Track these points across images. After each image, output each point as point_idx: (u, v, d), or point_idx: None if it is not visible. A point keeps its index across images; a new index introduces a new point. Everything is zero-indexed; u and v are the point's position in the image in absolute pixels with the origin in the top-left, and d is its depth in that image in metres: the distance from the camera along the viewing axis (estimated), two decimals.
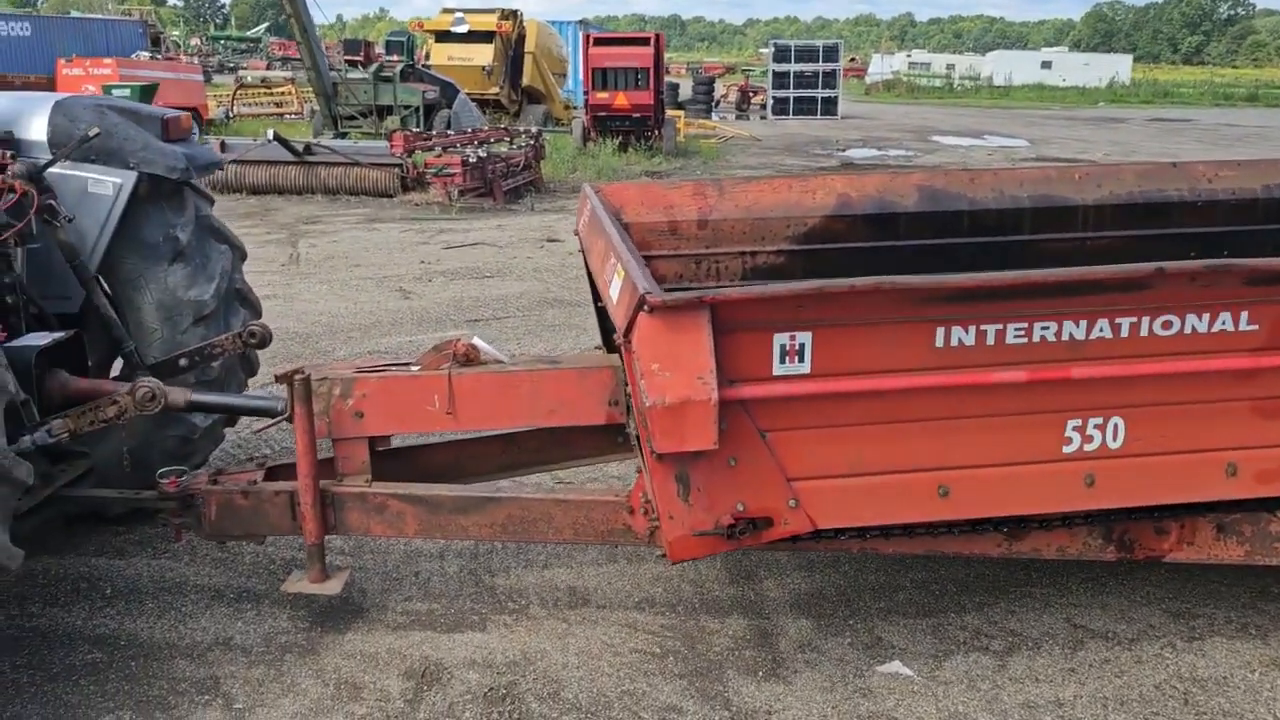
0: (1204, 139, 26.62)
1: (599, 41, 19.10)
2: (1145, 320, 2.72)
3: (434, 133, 14.74)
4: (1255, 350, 2.78)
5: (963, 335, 2.67)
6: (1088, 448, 2.83)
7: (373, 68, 18.53)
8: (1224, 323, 2.75)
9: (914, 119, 34.02)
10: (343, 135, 17.90)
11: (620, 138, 18.65)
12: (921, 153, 22.27)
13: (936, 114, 37.56)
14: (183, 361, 3.89)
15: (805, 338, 2.62)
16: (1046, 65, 62.75)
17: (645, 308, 2.48)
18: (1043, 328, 2.70)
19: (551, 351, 6.42)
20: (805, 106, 33.74)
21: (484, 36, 21.53)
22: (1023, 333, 2.69)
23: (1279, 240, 4.48)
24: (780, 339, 2.61)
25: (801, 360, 2.63)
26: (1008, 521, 3.01)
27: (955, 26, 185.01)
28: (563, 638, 3.36)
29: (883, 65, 64.53)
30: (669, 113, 21.22)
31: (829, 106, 33.72)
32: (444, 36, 21.89)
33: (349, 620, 3.49)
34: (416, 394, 3.32)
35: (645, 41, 18.81)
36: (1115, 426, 2.82)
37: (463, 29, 21.30)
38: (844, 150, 22.55)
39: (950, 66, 65.17)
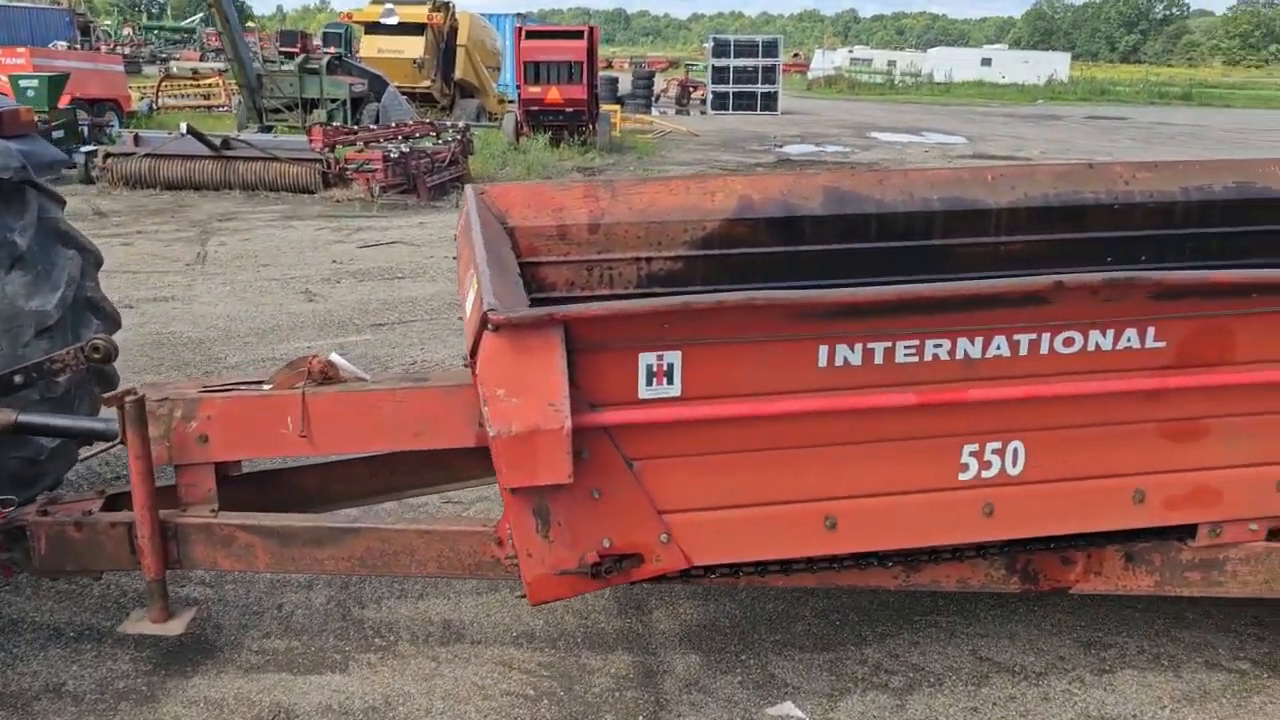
0: (1138, 137, 26.94)
1: (531, 34, 18.72)
2: (1046, 337, 2.51)
3: (356, 127, 14.28)
4: (1163, 369, 2.59)
5: (849, 354, 2.44)
6: (986, 474, 2.61)
7: (298, 59, 17.99)
8: (1130, 340, 2.55)
9: (854, 115, 34.07)
10: (268, 129, 17.36)
11: (553, 132, 18.30)
12: (859, 149, 22.23)
13: (877, 110, 37.68)
14: (18, 378, 3.52)
15: (674, 357, 2.36)
16: (987, 62, 63.40)
17: (489, 326, 2.21)
18: (936, 345, 2.47)
19: (454, 359, 6.12)
20: (745, 102, 33.61)
21: (415, 28, 21.05)
22: (914, 351, 2.46)
23: (1197, 244, 4.34)
24: (646, 359, 2.36)
25: (670, 382, 2.38)
26: (904, 553, 2.78)
27: (898, 23, 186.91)
28: (429, 679, 3.08)
29: (825, 61, 64.73)
30: (604, 107, 20.91)
31: (769, 102, 33.61)
32: (373, 28, 21.38)
33: (198, 661, 3.18)
34: (267, 415, 3.01)
35: (578, 35, 18.48)
36: (1015, 451, 2.61)
37: (392, 20, 20.81)
38: (781, 146, 22.43)
39: (892, 63, 65.58)
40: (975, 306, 2.42)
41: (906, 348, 2.45)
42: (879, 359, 2.45)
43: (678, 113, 33.56)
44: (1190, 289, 2.47)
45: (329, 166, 12.72)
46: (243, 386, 3.10)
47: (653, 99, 33.72)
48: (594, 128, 18.88)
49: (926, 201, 4.08)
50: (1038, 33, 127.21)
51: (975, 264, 4.15)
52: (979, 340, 2.48)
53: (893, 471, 2.56)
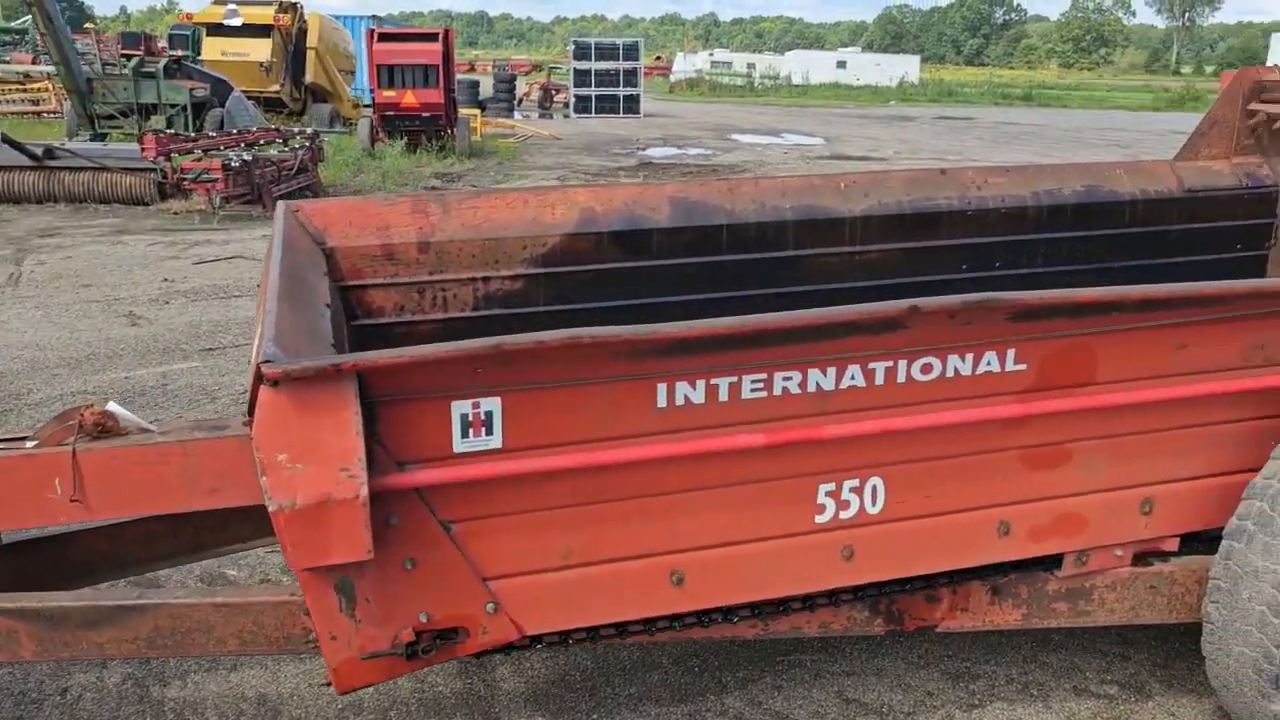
0: (985, 136, 27.90)
1: (384, 37, 18.07)
2: (902, 365, 2.31)
3: (193, 134, 13.46)
4: (1025, 393, 2.42)
5: (689, 392, 2.19)
6: (844, 515, 2.40)
7: (133, 62, 16.90)
8: (989, 363, 2.37)
9: (715, 117, 34.32)
10: (101, 136, 16.26)
11: (409, 138, 17.72)
12: (720, 151, 22.30)
13: (737, 112, 38.08)
14: None
15: (492, 404, 2.07)
16: (842, 65, 65.07)
17: (265, 380, 1.86)
18: (785, 379, 2.24)
19: None
20: (608, 105, 33.47)
21: (260, 30, 20.11)
22: (761, 385, 2.23)
23: (1050, 248, 4.28)
24: (460, 408, 2.05)
25: (490, 432, 2.08)
26: (761, 603, 2.55)
27: (757, 26, 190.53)
28: None
29: (686, 64, 65.31)
30: (463, 111, 20.40)
31: (631, 104, 33.56)
32: (216, 30, 20.33)
33: None
34: (30, 477, 2.57)
35: (433, 37, 17.93)
36: (874, 489, 2.40)
37: (235, 22, 19.82)
38: (644, 149, 22.33)
39: (751, 65, 66.61)
40: (826, 335, 2.20)
41: (753, 382, 2.22)
42: (724, 395, 2.21)
43: (541, 116, 33.19)
44: (1051, 309, 2.31)
45: (166, 176, 11.92)
46: (1, 445, 2.65)
47: (516, 102, 33.26)
48: (453, 132, 18.37)
49: (778, 211, 3.89)
50: (889, 36, 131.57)
51: (830, 274, 3.99)
52: (831, 371, 2.26)
53: (744, 519, 2.32)
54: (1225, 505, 2.61)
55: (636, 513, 2.25)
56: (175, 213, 11.59)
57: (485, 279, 3.62)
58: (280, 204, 3.40)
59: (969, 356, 2.35)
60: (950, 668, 3.14)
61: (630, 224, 3.72)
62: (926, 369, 2.33)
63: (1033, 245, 4.24)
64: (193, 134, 13.33)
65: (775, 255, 3.89)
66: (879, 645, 3.24)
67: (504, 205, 3.64)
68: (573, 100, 33.86)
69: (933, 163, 19.97)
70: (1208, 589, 2.61)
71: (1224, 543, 2.53)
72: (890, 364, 2.30)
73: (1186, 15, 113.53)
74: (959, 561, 2.55)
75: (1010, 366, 2.39)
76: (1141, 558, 2.74)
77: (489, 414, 2.07)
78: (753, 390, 2.23)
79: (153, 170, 11.76)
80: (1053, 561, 2.68)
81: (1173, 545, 2.73)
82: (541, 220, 3.65)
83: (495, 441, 2.09)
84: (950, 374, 2.35)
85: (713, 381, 2.19)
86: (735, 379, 2.21)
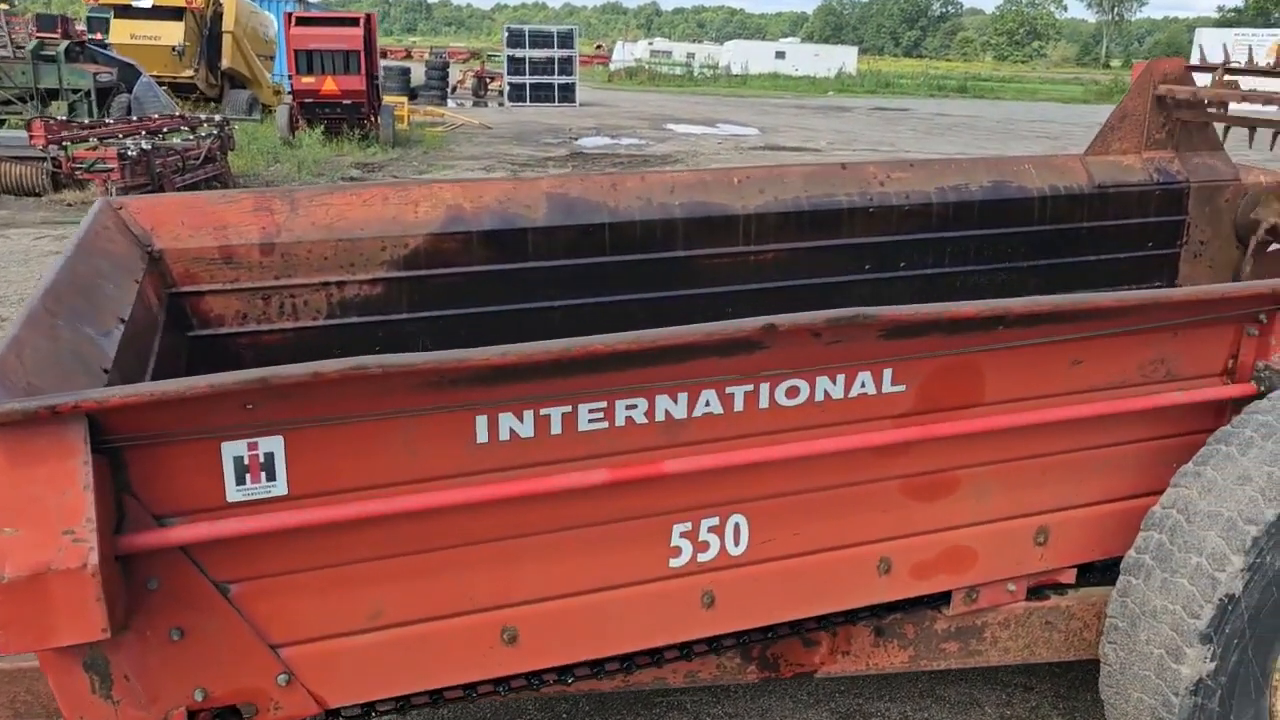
0: (919, 127, 27.96)
1: (301, 21, 17.45)
2: (765, 389, 2.04)
3: (89, 120, 12.82)
4: (904, 416, 2.17)
5: (515, 424, 1.89)
6: (703, 558, 2.12)
7: (32, 45, 16.11)
8: (864, 385, 2.11)
9: (652, 106, 34.01)
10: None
11: (330, 126, 17.16)
12: (654, 141, 22.01)
13: (675, 102, 37.80)
14: None
15: (274, 445, 1.75)
16: (780, 55, 65.05)
17: None
18: (629, 407, 1.96)
19: None
20: (543, 93, 32.97)
21: (172, 13, 19.34)
22: (601, 415, 1.94)
23: (956, 247, 4.06)
24: (233, 450, 1.73)
25: (271, 477, 1.77)
26: (615, 657, 2.27)
27: (699, 16, 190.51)
28: None
29: (626, 53, 64.83)
30: (388, 99, 19.84)
31: (566, 93, 33.09)
32: (125, 11, 19.49)
33: None
34: None
35: (354, 22, 17.35)
36: (736, 527, 2.13)
37: (145, 3, 19.03)
38: (576, 139, 21.95)
39: (690, 55, 66.34)
40: (674, 358, 1.92)
41: (592, 411, 1.93)
42: (557, 428, 1.92)
43: (475, 104, 32.61)
44: (929, 324, 2.05)
45: (59, 166, 11.30)
46: None
47: (449, 90, 32.63)
48: (376, 121, 17.83)
49: (666, 208, 3.60)
50: (828, 27, 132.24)
51: (723, 276, 3.72)
52: (683, 397, 1.99)
53: (585, 566, 2.04)
54: (1126, 532, 2.39)
55: (458, 563, 1.95)
56: (69, 205, 11.00)
57: (340, 284, 3.29)
58: (100, 201, 3.03)
59: (840, 378, 2.09)
60: (841, 706, 2.90)
61: (503, 223, 3.41)
62: (792, 393, 2.06)
63: (938, 244, 4.01)
64: (88, 121, 12.67)
65: (663, 256, 3.61)
66: (764, 682, 2.98)
67: (359, 202, 3.31)
68: (507, 89, 33.30)
69: (866, 154, 19.91)
70: (1105, 627, 2.38)
71: (1121, 578, 2.30)
72: (750, 388, 2.03)
73: (1115, 10, 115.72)
74: (834, 604, 2.29)
75: (887, 388, 2.13)
76: (1036, 591, 2.51)
77: (269, 456, 1.75)
78: (591, 421, 1.94)
79: (44, 159, 11.14)
80: (940, 598, 2.43)
81: (1069, 577, 2.51)
82: (403, 219, 3.33)
83: (279, 487, 1.77)
84: (819, 397, 2.09)
85: (543, 412, 1.90)
86: (570, 408, 1.92)
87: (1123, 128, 4.40)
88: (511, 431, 1.89)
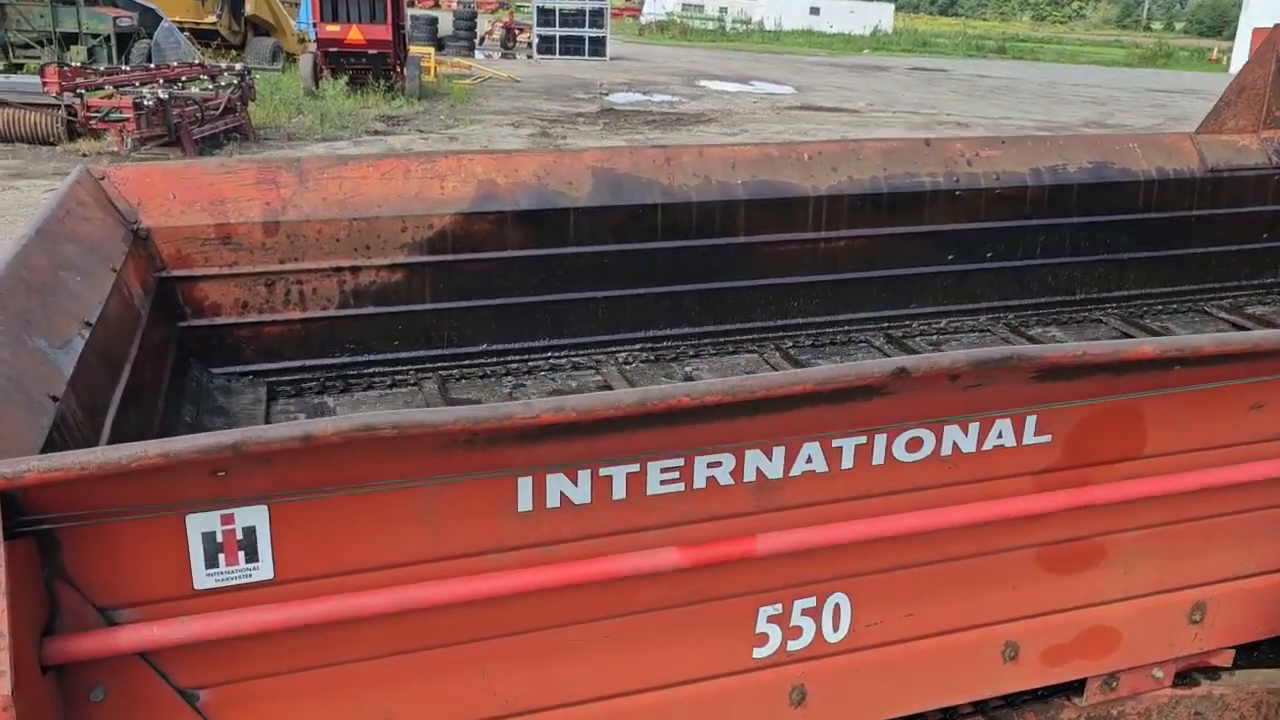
0: (959, 89, 27.11)
1: None
2: (880, 441, 1.61)
3: (104, 68, 12.39)
4: (1048, 473, 1.73)
5: (568, 488, 1.47)
6: (794, 646, 1.71)
7: None
8: (1001, 435, 1.68)
9: (684, 62, 33.20)
10: (16, 68, 15.09)
11: (354, 77, 16.65)
12: (687, 98, 21.38)
13: (707, 57, 36.93)
14: None
15: (255, 517, 1.34)
16: (815, 11, 63.64)
17: None
18: (711, 465, 1.53)
19: None
20: (572, 46, 32.21)
21: None
22: (676, 475, 1.52)
23: (1052, 236, 3.59)
24: (201, 524, 1.32)
25: (253, 558, 1.36)
26: None
27: None
28: None
29: (657, 6, 63.62)
30: (415, 49, 19.29)
31: (597, 47, 32.32)
32: None
33: None
34: None
35: None
36: (836, 609, 1.71)
37: None
38: (607, 94, 21.34)
39: (723, 9, 65.05)
40: (774, 409, 1.48)
41: (665, 471, 1.51)
42: (620, 491, 1.50)
43: (503, 56, 31.93)
44: (1095, 367, 1.61)
45: (74, 114, 10.91)
46: None
47: (477, 41, 31.96)
48: (402, 72, 17.31)
49: (727, 188, 3.15)
50: None
51: (788, 265, 3.28)
52: (779, 453, 1.56)
53: (647, 660, 1.62)
54: None
55: (488, 659, 1.54)
56: (84, 155, 10.61)
57: (354, 269, 2.87)
58: (78, 169, 2.62)
59: (973, 428, 1.65)
60: None
61: (541, 201, 2.97)
62: (914, 445, 1.63)
63: (1031, 232, 3.55)
64: (103, 68, 12.25)
65: (721, 242, 3.17)
66: None
67: (377, 175, 2.88)
68: (536, 41, 32.56)
69: (907, 116, 19.22)
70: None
71: None
72: (863, 440, 1.60)
73: None
74: (948, 699, 1.87)
75: (1029, 439, 1.70)
76: (1185, 676, 2.08)
77: (250, 531, 1.34)
78: (664, 483, 1.52)
79: (58, 107, 10.74)
80: (1073, 686, 2.01)
81: (1226, 659, 2.08)
82: (427, 195, 2.89)
83: (263, 570, 1.37)
84: (946, 451, 1.66)
85: (603, 472, 1.48)
86: (637, 467, 1.49)
87: (1239, 103, 3.89)
88: (563, 497, 1.47)
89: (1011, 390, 1.62)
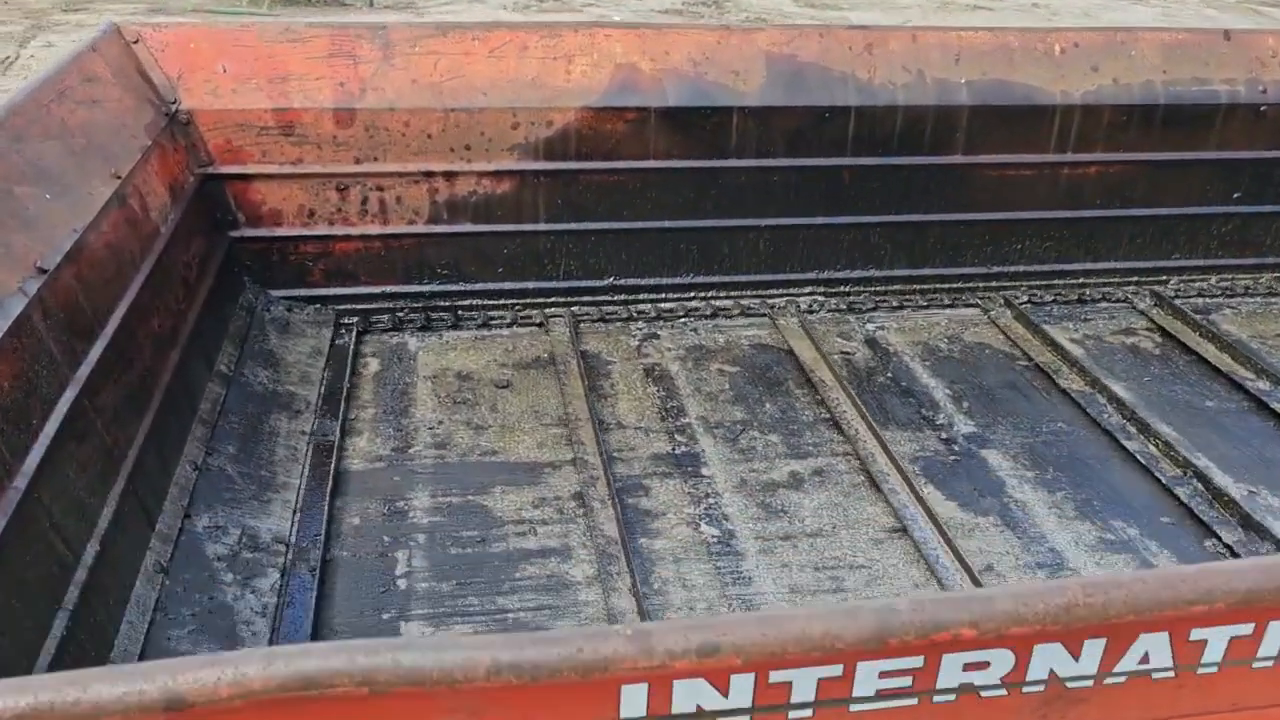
0: None
1: None
2: None
3: None
4: None
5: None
6: None
7: None
8: None
9: None
10: None
11: None
12: None
13: None
14: None
15: None
16: None
17: None
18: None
19: None
20: None
21: None
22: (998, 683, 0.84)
23: None
24: None
25: None
26: None
27: None
28: None
29: None
30: None
31: None
32: None
33: None
34: None
35: None
36: None
37: None
38: None
39: None
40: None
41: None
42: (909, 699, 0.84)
43: None
44: None
45: None
46: None
47: None
48: None
49: (945, 88, 2.35)
50: None
51: (1019, 197, 2.50)
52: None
53: None
54: None
55: None
56: None
57: (449, 175, 2.22)
58: (104, 25, 2.02)
59: None
60: None
61: (697, 96, 2.24)
62: None
63: None
64: None
65: (931, 161, 2.40)
66: None
67: (485, 51, 2.19)
68: None
69: None
70: None
71: None
72: None
73: None
74: None
75: None
76: None
77: None
78: (995, 686, 0.85)
79: None
80: None
81: None
82: (547, 81, 2.20)
83: None
84: None
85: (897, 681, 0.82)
86: (994, 671, 0.83)
87: None
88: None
89: None
